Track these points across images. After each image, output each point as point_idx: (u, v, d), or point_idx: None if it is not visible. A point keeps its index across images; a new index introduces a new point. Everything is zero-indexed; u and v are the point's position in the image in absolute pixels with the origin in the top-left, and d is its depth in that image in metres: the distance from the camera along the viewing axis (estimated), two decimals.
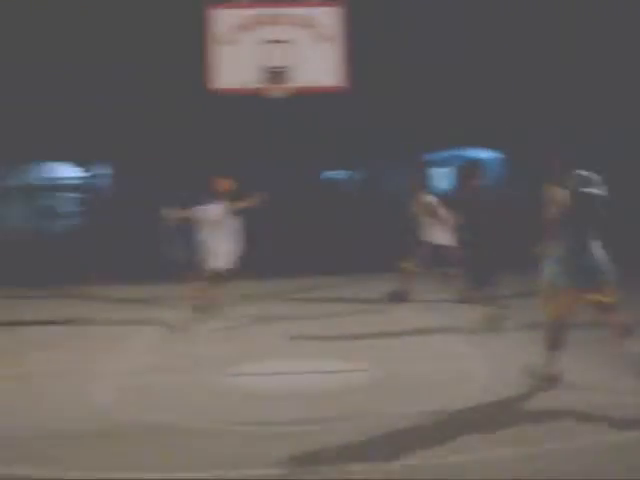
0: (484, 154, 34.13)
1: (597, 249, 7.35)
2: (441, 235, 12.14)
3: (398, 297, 12.62)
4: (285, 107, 16.00)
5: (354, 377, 8.07)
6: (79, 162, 29.45)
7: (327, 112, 21.11)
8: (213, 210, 11.82)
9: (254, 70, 13.95)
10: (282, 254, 17.05)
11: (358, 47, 14.49)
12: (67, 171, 30.99)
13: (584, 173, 7.33)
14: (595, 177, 7.28)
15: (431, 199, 12.56)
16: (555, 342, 7.45)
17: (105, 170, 29.98)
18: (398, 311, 11.89)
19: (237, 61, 14.04)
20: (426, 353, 9.12)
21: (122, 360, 9.07)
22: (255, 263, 12.50)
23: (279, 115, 19.77)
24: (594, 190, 7.26)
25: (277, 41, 14.03)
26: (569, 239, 7.35)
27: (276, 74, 13.97)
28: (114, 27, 21.02)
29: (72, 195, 31.51)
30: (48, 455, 5.86)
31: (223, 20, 14.08)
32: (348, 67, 14.19)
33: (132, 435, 6.34)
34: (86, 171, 30.25)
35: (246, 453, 5.82)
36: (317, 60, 14.09)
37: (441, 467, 5.44)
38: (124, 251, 20.06)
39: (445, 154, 33.65)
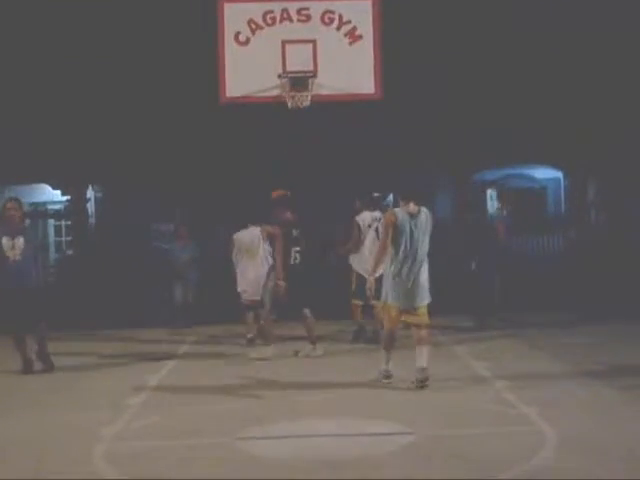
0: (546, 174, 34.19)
1: (423, 274, 10.44)
2: None
3: None
4: (309, 119, 16.04)
5: None
6: (62, 184, 29.62)
7: (358, 124, 21.16)
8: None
9: (272, 75, 14.08)
10: None
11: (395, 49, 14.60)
12: (47, 194, 31.16)
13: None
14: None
15: None
16: (388, 346, 10.66)
17: (93, 193, 30.14)
18: None
19: (252, 65, 14.16)
20: None
21: None
22: None
23: (301, 128, 19.82)
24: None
25: (299, 41, 14.13)
26: (399, 264, 10.34)
27: (297, 80, 14.05)
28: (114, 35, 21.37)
29: (53, 222, 31.70)
30: None
31: (236, 16, 14.23)
32: (383, 71, 14.27)
33: None
34: (67, 194, 30.37)
35: None
36: (346, 63, 14.18)
37: None
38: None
39: (500, 173, 33.65)
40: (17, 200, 12.39)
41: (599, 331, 14.52)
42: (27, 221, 13.24)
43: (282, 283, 12.99)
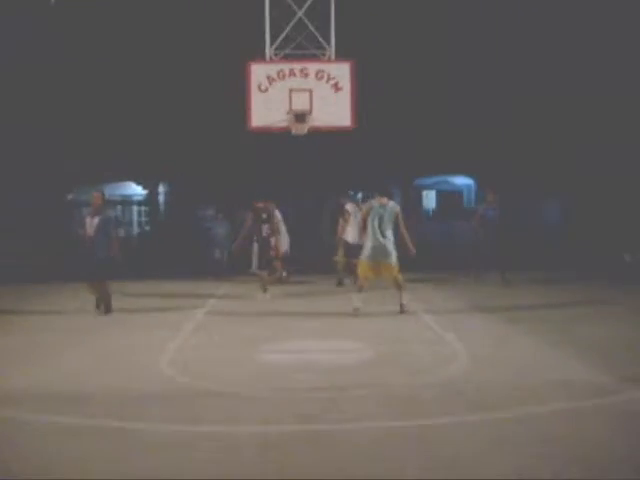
0: (462, 181, 34.18)
1: (389, 243, 10.83)
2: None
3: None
4: (306, 142, 16.10)
5: None
6: (142, 181, 29.59)
7: (339, 146, 21.18)
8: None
9: (282, 112, 14.05)
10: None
11: (362, 92, 14.59)
12: (132, 189, 31.11)
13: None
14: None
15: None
16: (360, 289, 10.98)
17: (164, 188, 30.12)
18: None
19: (269, 105, 14.14)
20: None
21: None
22: None
23: (301, 148, 19.86)
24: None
25: (300, 89, 14.11)
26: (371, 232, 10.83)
27: (299, 116, 14.04)
28: (179, 78, 21.30)
29: (136, 208, 31.70)
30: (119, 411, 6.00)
31: (259, 72, 14.20)
32: (356, 110, 14.26)
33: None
34: (146, 189, 30.35)
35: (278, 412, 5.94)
36: (332, 105, 14.17)
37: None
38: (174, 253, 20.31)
39: (431, 180, 33.71)
40: (100, 191, 11.75)
41: (496, 282, 14.51)
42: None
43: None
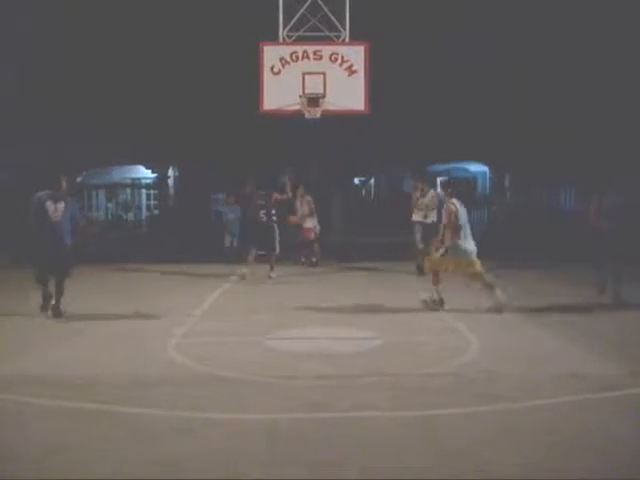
0: (477, 168, 34.09)
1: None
2: None
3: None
4: (318, 125, 16.07)
5: None
6: (152, 165, 29.68)
7: (352, 130, 21.14)
8: None
9: (295, 95, 14.00)
10: None
11: (378, 79, 14.52)
12: (142, 172, 31.21)
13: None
14: None
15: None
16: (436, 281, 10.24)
17: (172, 172, 30.21)
18: None
19: (282, 88, 14.09)
20: None
21: None
22: None
23: (313, 131, 19.84)
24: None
25: (313, 72, 14.05)
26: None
27: (312, 99, 13.99)
28: (190, 61, 21.31)
29: (145, 191, 31.81)
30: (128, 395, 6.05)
31: (272, 55, 14.15)
32: (370, 94, 14.20)
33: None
34: (155, 172, 30.46)
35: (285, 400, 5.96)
36: (345, 89, 14.10)
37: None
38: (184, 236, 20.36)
39: (446, 166, 33.62)
40: (66, 175, 10.40)
41: (512, 274, 14.42)
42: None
43: None
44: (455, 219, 9.93)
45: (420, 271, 13.25)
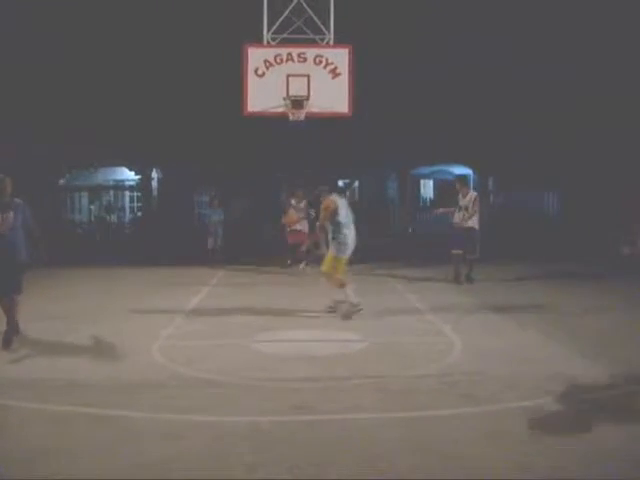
0: (460, 170, 34.20)
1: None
2: None
3: None
4: (302, 127, 16.09)
5: None
6: (135, 167, 29.55)
7: (336, 132, 21.17)
8: None
9: (279, 98, 13.98)
10: None
11: (361, 81, 14.53)
12: (125, 174, 31.08)
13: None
14: None
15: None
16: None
17: (156, 174, 30.09)
18: None
19: (266, 90, 14.06)
20: None
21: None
22: None
23: (297, 133, 19.86)
24: None
25: (298, 75, 14.04)
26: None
27: (296, 101, 13.97)
28: (174, 62, 21.24)
29: (128, 193, 31.68)
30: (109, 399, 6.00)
31: (256, 57, 14.12)
32: (353, 97, 14.20)
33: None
34: (138, 174, 30.32)
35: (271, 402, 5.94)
36: (329, 91, 14.09)
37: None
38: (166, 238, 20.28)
39: (429, 169, 33.77)
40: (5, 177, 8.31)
41: (495, 273, 14.51)
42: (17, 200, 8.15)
43: None
44: (333, 215, 10.00)
45: (459, 278, 13.24)
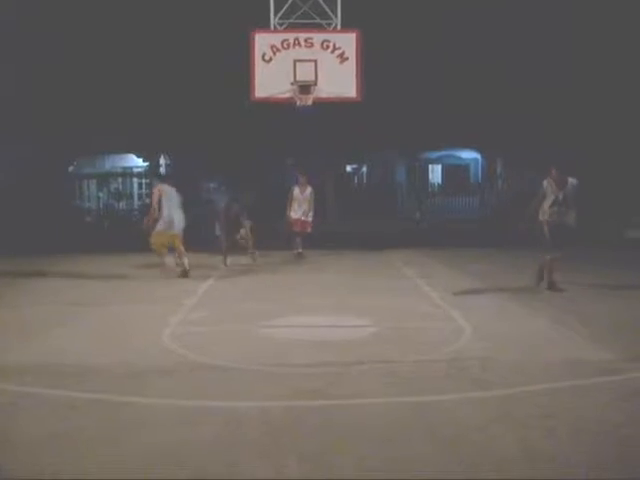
0: (469, 155, 34.11)
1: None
2: None
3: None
4: (310, 113, 16.04)
5: None
6: (142, 154, 29.59)
7: (344, 117, 21.12)
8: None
9: (286, 83, 13.95)
10: None
11: (370, 65, 14.48)
12: (133, 161, 31.13)
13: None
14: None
15: None
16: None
17: (165, 160, 30.13)
18: None
19: (273, 75, 14.04)
20: None
21: None
22: None
23: (305, 119, 19.82)
24: None
25: (305, 60, 14.00)
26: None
27: (304, 87, 13.95)
28: (181, 48, 21.21)
29: (137, 180, 31.72)
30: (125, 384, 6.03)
31: (263, 42, 14.08)
32: (362, 82, 14.16)
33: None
34: (147, 161, 30.37)
35: (279, 388, 5.96)
36: (337, 76, 14.06)
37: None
38: None
39: (438, 154, 33.71)
40: None
41: (500, 260, 14.50)
42: None
43: None
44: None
45: (554, 287, 10.64)
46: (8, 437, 4.86)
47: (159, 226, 12.48)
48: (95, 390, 5.85)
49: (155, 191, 12.96)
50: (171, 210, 12.58)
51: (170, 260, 12.73)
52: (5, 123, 19.55)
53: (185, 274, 12.39)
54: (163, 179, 13.97)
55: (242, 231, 14.06)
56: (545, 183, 10.63)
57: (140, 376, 6.30)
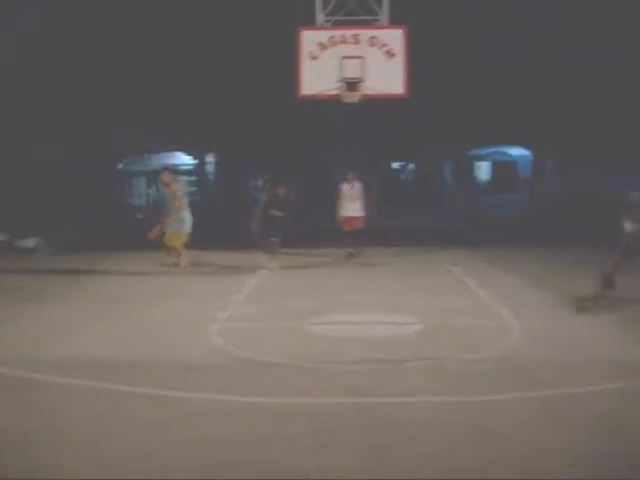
0: (518, 152, 33.66)
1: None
2: None
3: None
4: (357, 109, 15.99)
5: None
6: (191, 151, 29.91)
7: (391, 114, 21.04)
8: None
9: (333, 80, 13.95)
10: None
11: (417, 61, 14.39)
12: (181, 158, 31.47)
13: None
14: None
15: None
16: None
17: (212, 158, 30.41)
18: None
19: (320, 73, 14.05)
20: None
21: None
22: None
23: (352, 116, 19.81)
24: None
25: (352, 57, 13.98)
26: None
27: (351, 83, 13.94)
28: (229, 46, 21.35)
29: (185, 178, 32.08)
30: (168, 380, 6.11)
31: (310, 40, 14.10)
32: (409, 78, 14.09)
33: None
34: (196, 158, 30.68)
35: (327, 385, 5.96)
36: (384, 72, 14.01)
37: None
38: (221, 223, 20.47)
39: (486, 150, 33.37)
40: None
41: (548, 259, 14.25)
42: None
43: None
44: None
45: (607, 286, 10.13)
46: (61, 429, 4.96)
47: (175, 226, 12.84)
48: (143, 384, 5.93)
49: (179, 188, 13.38)
50: (185, 210, 13.04)
51: (186, 259, 13.00)
52: (57, 119, 19.95)
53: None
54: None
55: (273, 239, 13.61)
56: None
57: (188, 371, 6.37)
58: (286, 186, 14.38)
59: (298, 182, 14.20)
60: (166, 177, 13.61)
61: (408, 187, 37.31)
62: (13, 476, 4.23)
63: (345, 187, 15.06)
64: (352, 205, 14.86)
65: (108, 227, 19.58)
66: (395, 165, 38.54)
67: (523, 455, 4.46)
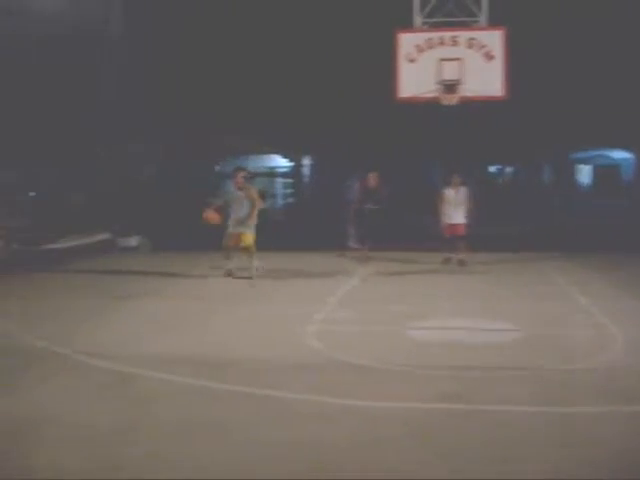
0: (621, 155, 32.58)
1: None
2: None
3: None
4: (456, 112, 15.75)
5: None
6: (289, 154, 30.28)
7: (490, 117, 20.71)
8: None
9: (431, 82, 13.87)
10: None
11: (516, 63, 14.13)
12: (277, 161, 31.88)
13: None
14: None
15: None
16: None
17: (308, 161, 30.69)
18: None
19: (418, 75, 14.00)
20: None
21: None
22: None
23: (451, 118, 19.59)
24: None
25: (450, 59, 13.86)
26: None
27: (449, 86, 13.81)
28: (325, 50, 21.51)
29: (282, 180, 32.46)
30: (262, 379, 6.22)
31: (407, 42, 14.07)
32: (508, 80, 13.85)
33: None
34: (292, 161, 31.03)
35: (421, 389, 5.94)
36: (483, 74, 13.82)
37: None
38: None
39: (588, 154, 32.45)
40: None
41: None
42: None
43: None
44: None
45: None
46: (158, 423, 5.15)
47: (252, 230, 12.57)
48: (238, 382, 6.07)
49: (255, 191, 13.05)
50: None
51: (258, 261, 12.56)
52: (156, 121, 20.56)
53: (230, 274, 12.43)
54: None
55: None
56: None
57: (282, 371, 6.47)
58: (374, 175, 14.34)
59: (389, 176, 13.93)
60: (241, 180, 12.72)
61: (506, 191, 36.49)
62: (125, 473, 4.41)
63: (449, 192, 14.40)
64: (456, 212, 14.29)
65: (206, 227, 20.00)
66: (492, 169, 37.84)
67: (619, 471, 4.32)
